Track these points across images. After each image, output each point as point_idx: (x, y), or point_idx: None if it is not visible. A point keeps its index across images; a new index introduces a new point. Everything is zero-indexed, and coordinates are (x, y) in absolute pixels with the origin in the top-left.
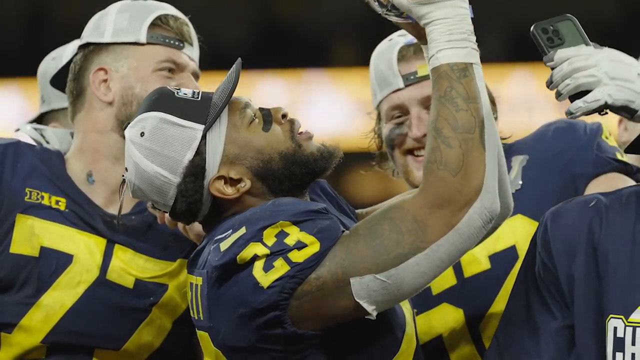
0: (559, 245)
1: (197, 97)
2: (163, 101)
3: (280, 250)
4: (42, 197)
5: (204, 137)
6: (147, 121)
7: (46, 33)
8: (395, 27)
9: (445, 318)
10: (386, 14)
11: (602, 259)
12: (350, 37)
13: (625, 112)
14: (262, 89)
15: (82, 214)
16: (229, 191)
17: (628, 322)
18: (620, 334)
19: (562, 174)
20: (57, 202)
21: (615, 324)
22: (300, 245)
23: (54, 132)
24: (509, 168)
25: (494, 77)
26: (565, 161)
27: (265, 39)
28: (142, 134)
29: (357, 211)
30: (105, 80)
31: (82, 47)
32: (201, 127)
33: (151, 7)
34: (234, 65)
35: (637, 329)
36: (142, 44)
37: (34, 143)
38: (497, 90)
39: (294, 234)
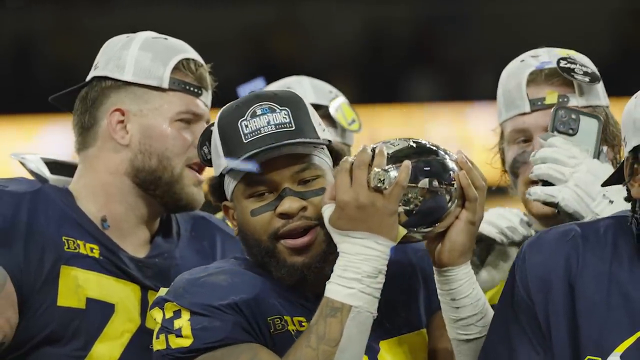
0: (535, 281)
1: (248, 138)
2: (229, 119)
3: (166, 328)
4: (79, 246)
5: (223, 174)
6: (216, 121)
7: (33, 70)
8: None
9: None
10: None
11: (578, 297)
12: (346, 75)
13: (570, 219)
14: None
15: (116, 261)
16: (229, 223)
17: None
18: None
19: None
20: (91, 250)
21: None
22: (178, 334)
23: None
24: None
25: (490, 116)
26: None
27: (260, 77)
28: (212, 124)
29: None
30: (122, 122)
31: (97, 79)
32: (225, 165)
33: (173, 48)
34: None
35: None
36: (164, 90)
37: (28, 176)
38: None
39: (183, 321)
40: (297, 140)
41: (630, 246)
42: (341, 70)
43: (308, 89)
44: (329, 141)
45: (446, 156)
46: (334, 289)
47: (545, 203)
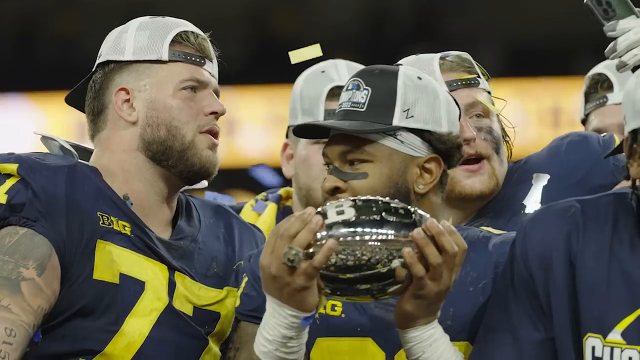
0: (535, 258)
1: (337, 108)
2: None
3: (237, 283)
4: (112, 222)
5: None
6: None
7: (36, 47)
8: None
9: None
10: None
11: (579, 274)
12: (346, 52)
13: None
14: (258, 104)
15: (146, 239)
16: None
17: (606, 341)
18: (598, 354)
19: (580, 188)
20: (124, 227)
21: (593, 343)
22: (237, 293)
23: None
24: (530, 186)
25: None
26: (582, 175)
27: (261, 55)
28: None
29: None
30: (127, 100)
31: (101, 65)
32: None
33: (170, 24)
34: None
35: (615, 349)
36: (164, 62)
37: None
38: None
39: (242, 282)
40: (335, 125)
41: (630, 223)
42: (342, 46)
43: (343, 72)
44: (403, 127)
45: (398, 229)
46: (257, 340)
47: None
